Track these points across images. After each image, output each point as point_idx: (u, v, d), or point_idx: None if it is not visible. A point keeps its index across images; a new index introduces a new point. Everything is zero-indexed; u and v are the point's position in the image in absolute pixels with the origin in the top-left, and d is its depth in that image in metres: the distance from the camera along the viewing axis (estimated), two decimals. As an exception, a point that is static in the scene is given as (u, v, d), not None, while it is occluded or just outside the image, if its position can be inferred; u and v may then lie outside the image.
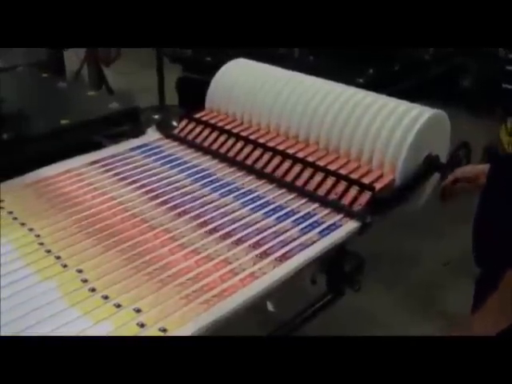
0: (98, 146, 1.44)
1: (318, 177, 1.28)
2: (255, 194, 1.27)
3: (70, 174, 1.35)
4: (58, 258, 1.06)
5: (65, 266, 1.04)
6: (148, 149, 1.47)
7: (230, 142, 1.43)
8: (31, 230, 1.14)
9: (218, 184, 1.30)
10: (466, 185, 1.22)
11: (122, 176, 1.34)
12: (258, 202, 1.24)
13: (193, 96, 1.66)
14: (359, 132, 1.31)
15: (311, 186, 1.27)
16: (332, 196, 1.23)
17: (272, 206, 1.22)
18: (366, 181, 1.25)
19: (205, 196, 1.26)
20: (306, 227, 1.15)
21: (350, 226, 1.16)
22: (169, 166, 1.39)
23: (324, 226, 1.15)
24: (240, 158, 1.39)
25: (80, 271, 1.02)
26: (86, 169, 1.38)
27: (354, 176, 1.26)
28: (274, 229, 1.15)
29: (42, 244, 1.09)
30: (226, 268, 1.03)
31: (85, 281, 1.00)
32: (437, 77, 2.33)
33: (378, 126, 1.30)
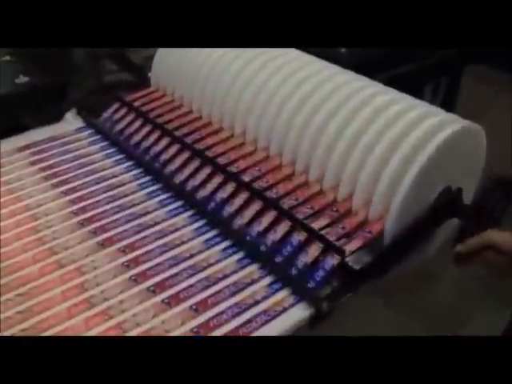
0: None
1: (268, 217, 0.83)
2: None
3: (-17, 166, 1.00)
4: None
5: None
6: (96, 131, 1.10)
7: (163, 142, 1.00)
8: None
9: (169, 195, 0.93)
10: (497, 257, 0.76)
11: (48, 173, 0.99)
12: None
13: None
14: (339, 148, 0.84)
15: (256, 229, 0.82)
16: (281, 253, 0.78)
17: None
18: (333, 234, 0.78)
19: (148, 213, 0.89)
20: (275, 282, 0.77)
21: (296, 314, 0.73)
22: (114, 159, 1.02)
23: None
24: (170, 169, 0.97)
25: None
26: (7, 159, 1.03)
27: (317, 223, 0.80)
28: (235, 277, 0.78)
29: None
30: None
31: None
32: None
33: (367, 141, 0.82)
